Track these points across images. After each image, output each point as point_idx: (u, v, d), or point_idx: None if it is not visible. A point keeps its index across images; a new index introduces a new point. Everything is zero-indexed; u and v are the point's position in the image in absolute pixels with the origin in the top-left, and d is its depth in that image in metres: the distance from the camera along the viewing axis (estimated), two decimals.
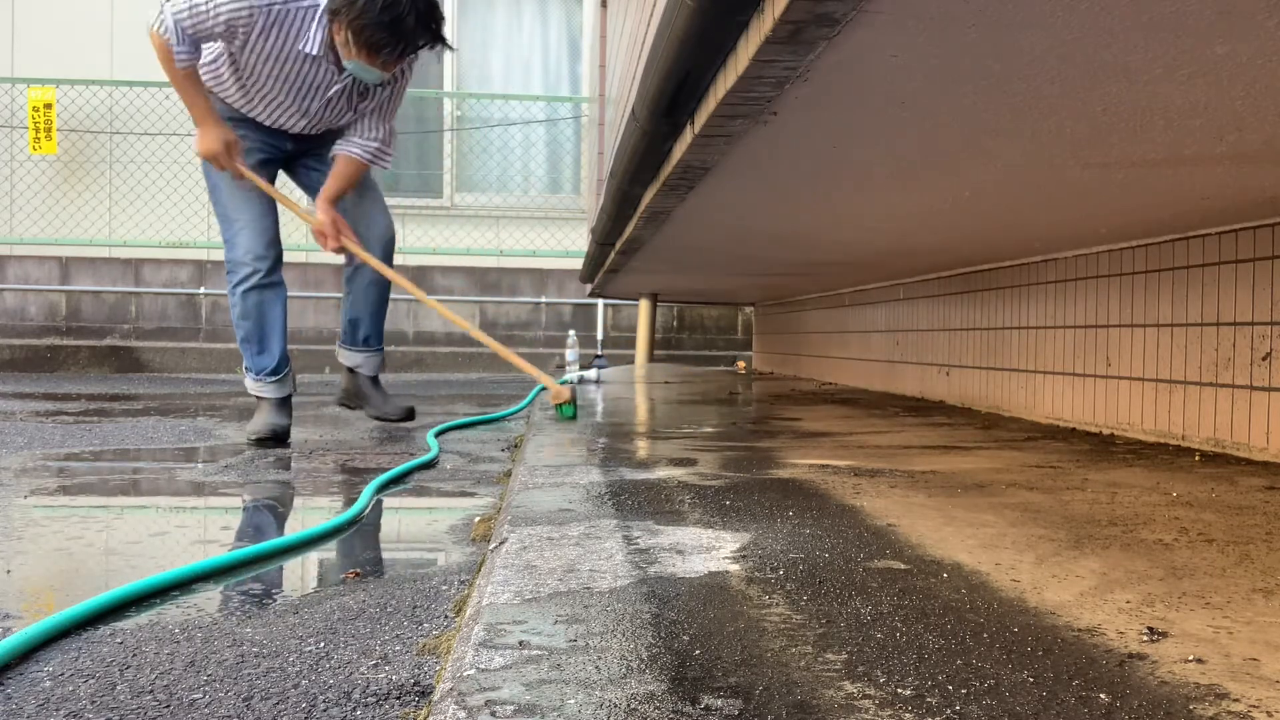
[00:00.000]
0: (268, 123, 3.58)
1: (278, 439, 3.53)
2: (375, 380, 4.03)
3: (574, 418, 3.56)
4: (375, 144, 3.65)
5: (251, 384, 3.68)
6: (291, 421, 3.69)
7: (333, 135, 3.71)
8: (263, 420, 3.58)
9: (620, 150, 2.75)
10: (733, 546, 1.50)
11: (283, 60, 3.36)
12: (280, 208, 3.66)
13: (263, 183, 3.57)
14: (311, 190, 3.76)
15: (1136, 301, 3.00)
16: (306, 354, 8.21)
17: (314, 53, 3.33)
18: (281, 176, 3.82)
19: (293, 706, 1.13)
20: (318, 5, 3.30)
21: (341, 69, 3.41)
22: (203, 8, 3.21)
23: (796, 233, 3.47)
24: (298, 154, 3.74)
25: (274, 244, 3.60)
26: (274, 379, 3.64)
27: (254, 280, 3.55)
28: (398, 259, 8.80)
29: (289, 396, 3.70)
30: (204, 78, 3.45)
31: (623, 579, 1.31)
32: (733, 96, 1.59)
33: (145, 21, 3.37)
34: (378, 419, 3.93)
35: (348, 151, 3.62)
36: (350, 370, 4.05)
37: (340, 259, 3.98)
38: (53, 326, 8.78)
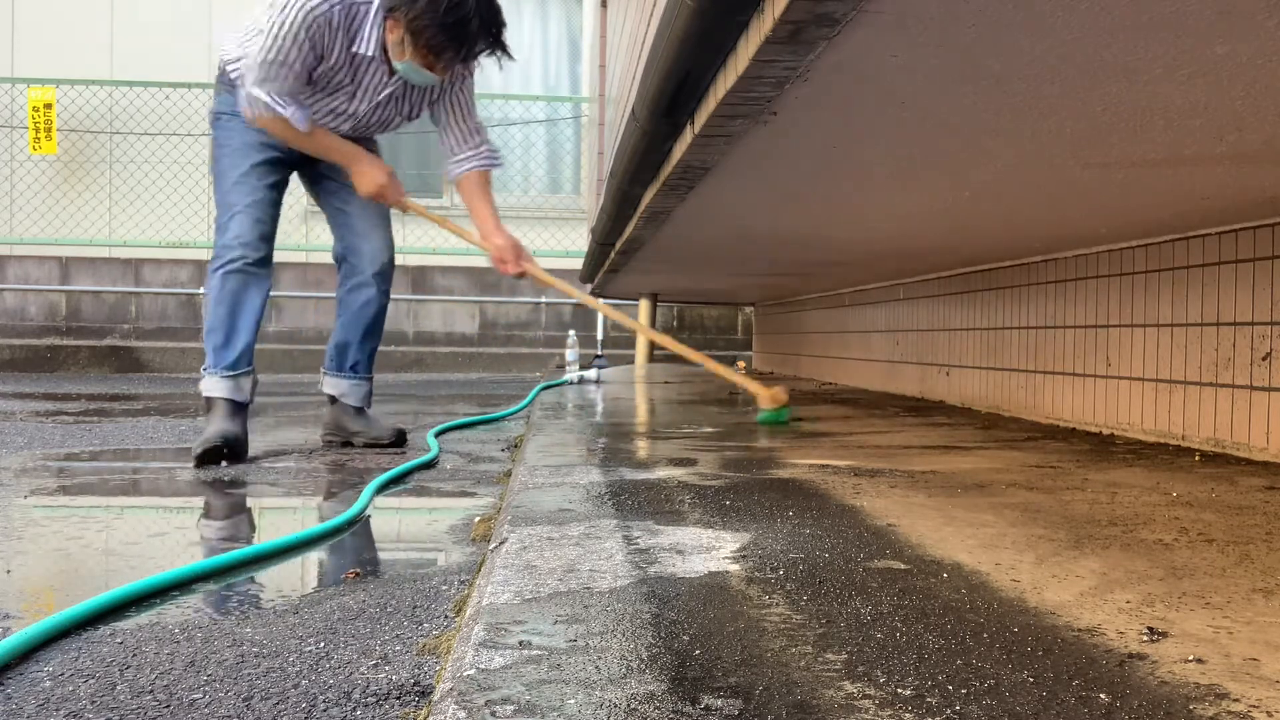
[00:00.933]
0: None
1: (231, 451, 3.09)
2: (360, 411, 3.55)
3: (786, 423, 3.24)
4: (484, 147, 3.39)
5: (206, 383, 3.25)
6: (247, 434, 3.24)
7: (361, 143, 3.40)
8: (213, 427, 3.14)
9: (620, 150, 2.75)
10: (733, 546, 1.50)
11: (336, 61, 3.10)
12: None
13: (431, 215, 3.50)
14: (323, 197, 3.51)
15: (1137, 301, 3.00)
16: (306, 354, 8.21)
17: (369, 53, 3.08)
18: (294, 185, 3.55)
19: (293, 706, 1.13)
20: (372, 2, 3.06)
21: (393, 72, 3.16)
22: (277, 50, 2.96)
23: (797, 233, 3.47)
24: (318, 161, 3.42)
25: (267, 239, 3.32)
26: (229, 374, 3.22)
27: (238, 264, 3.23)
28: (398, 259, 8.84)
29: (245, 405, 3.28)
30: None
31: (623, 579, 1.31)
32: (733, 96, 1.59)
33: (241, 112, 3.17)
34: (368, 445, 3.49)
35: (470, 168, 3.37)
36: (333, 400, 3.56)
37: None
38: (53, 326, 8.78)
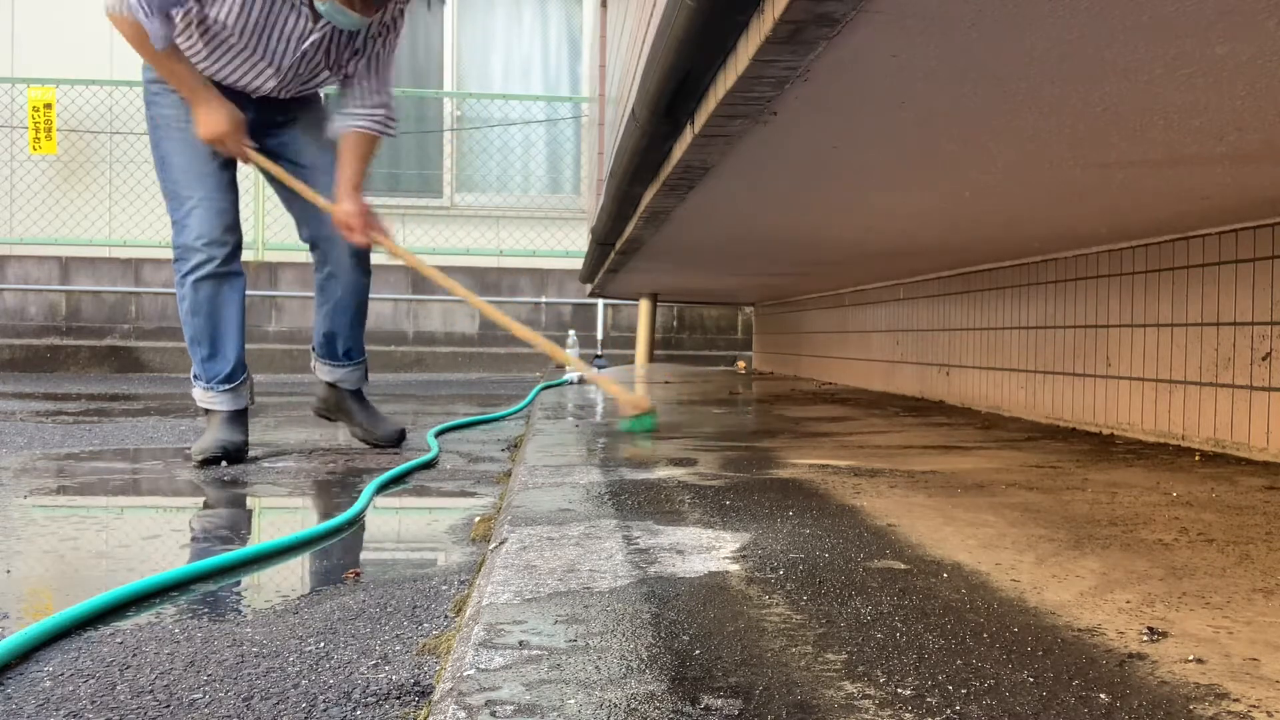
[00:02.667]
0: (233, 82, 3.05)
1: (229, 458, 3.03)
2: (359, 395, 3.46)
3: (651, 430, 3.03)
4: (381, 111, 3.15)
5: (200, 394, 3.15)
6: (248, 438, 3.18)
7: (295, 104, 3.21)
8: (211, 436, 3.07)
9: (620, 150, 2.75)
10: (733, 546, 1.50)
11: (252, 6, 2.86)
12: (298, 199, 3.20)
13: (276, 168, 3.13)
14: (270, 175, 3.24)
15: (1136, 301, 3.00)
16: (306, 354, 8.21)
17: None
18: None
19: (293, 706, 1.13)
20: None
21: (318, 16, 2.91)
22: None
23: (796, 232, 3.47)
24: (256, 125, 3.14)
25: (232, 229, 3.07)
26: (227, 388, 3.13)
27: (207, 268, 3.02)
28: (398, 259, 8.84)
29: (245, 410, 3.19)
30: None
31: (623, 579, 1.31)
32: (733, 96, 1.59)
33: (103, 3, 2.85)
34: (365, 442, 3.39)
35: (354, 126, 3.12)
36: (330, 385, 3.46)
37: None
38: (53, 326, 8.78)
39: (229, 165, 3.08)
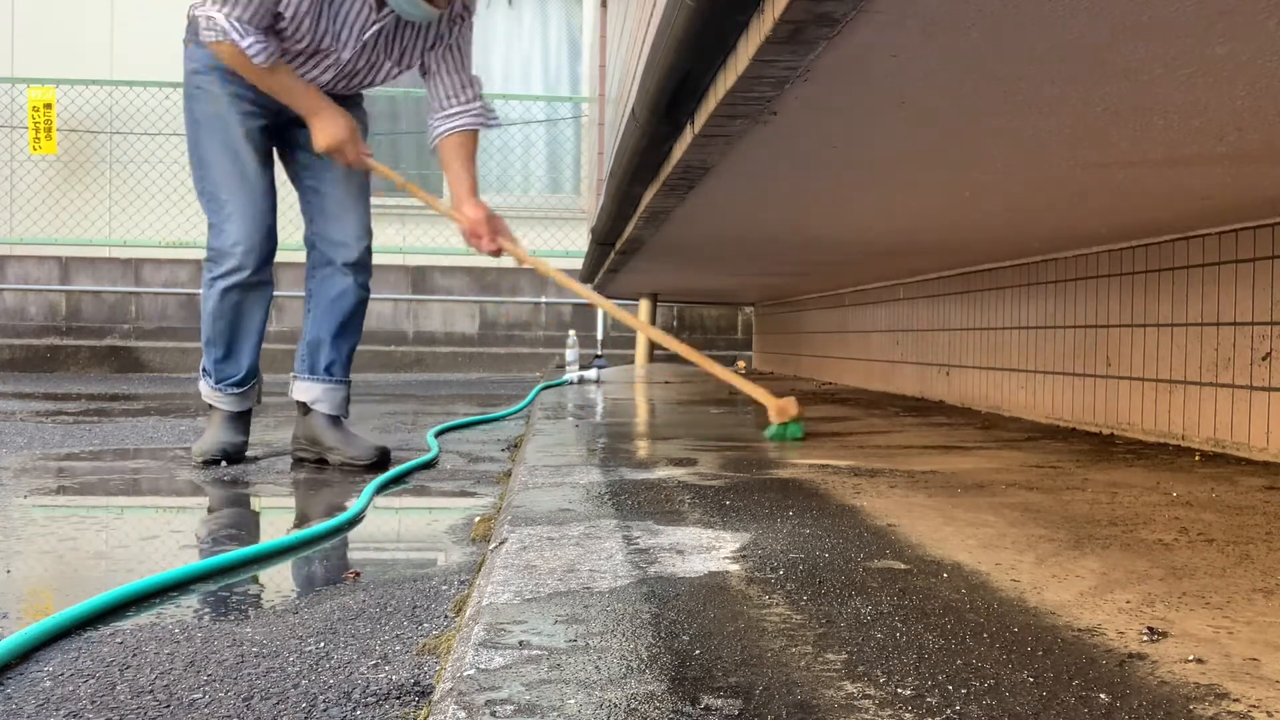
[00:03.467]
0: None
1: (229, 459, 3.00)
2: (337, 421, 3.11)
3: (799, 439, 2.83)
4: (478, 104, 2.99)
5: (207, 390, 3.06)
6: (248, 439, 3.13)
7: (350, 101, 3.04)
8: (213, 437, 3.03)
9: (620, 150, 2.75)
10: (733, 546, 1.50)
11: None
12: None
13: (395, 174, 3.02)
14: (297, 173, 3.10)
15: (1136, 301, 3.00)
16: None
17: None
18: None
19: (293, 706, 1.13)
20: None
21: (382, 5, 2.79)
22: None
23: (797, 232, 3.47)
24: (291, 124, 2.99)
25: (270, 237, 2.98)
26: (236, 391, 3.06)
27: (239, 277, 2.94)
28: (397, 258, 8.86)
29: (249, 411, 3.13)
30: None
31: (623, 579, 1.31)
32: (733, 96, 1.59)
33: (181, 39, 2.86)
34: (344, 464, 3.02)
35: (457, 126, 2.96)
36: (305, 408, 3.11)
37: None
38: (53, 326, 8.78)
39: (268, 166, 2.98)
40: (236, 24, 2.65)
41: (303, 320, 3.15)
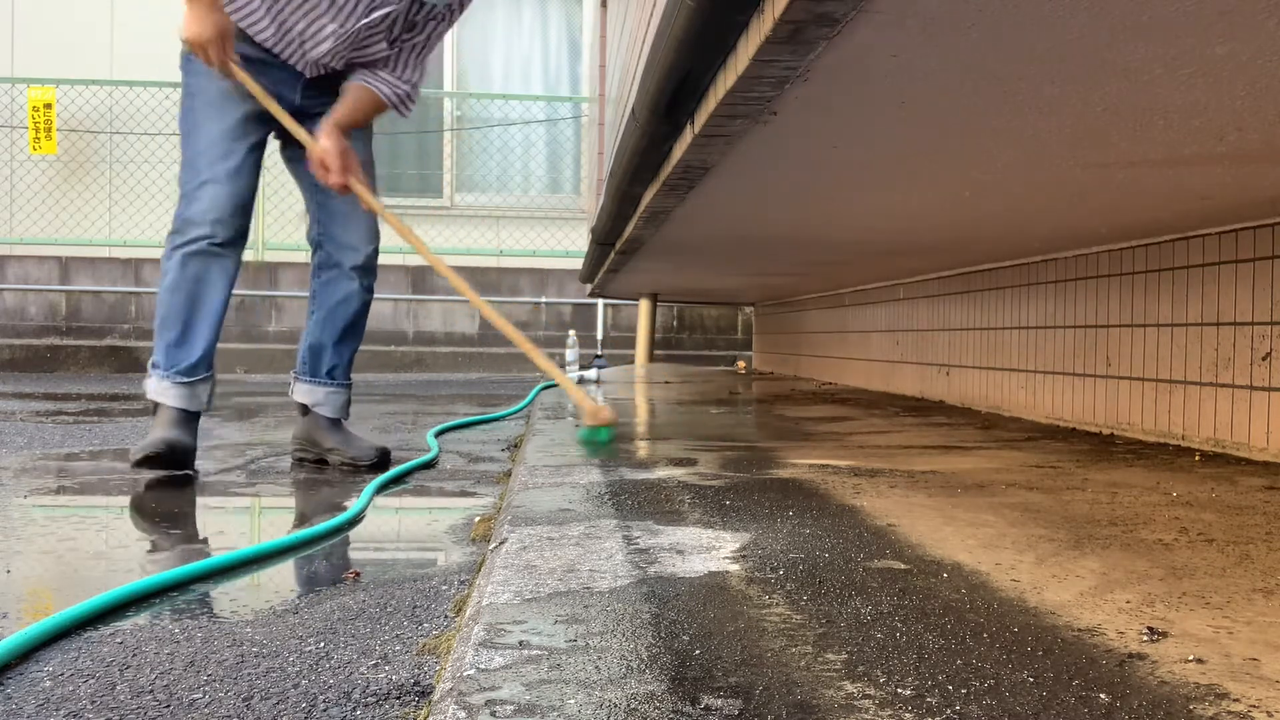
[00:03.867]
0: (288, 43, 2.80)
1: (173, 461, 2.69)
2: (337, 423, 3.07)
3: (606, 444, 2.69)
4: (406, 87, 2.91)
5: (153, 386, 2.80)
6: (195, 443, 2.82)
7: (330, 100, 2.90)
8: (156, 434, 2.73)
9: (620, 150, 2.75)
10: (733, 546, 1.50)
11: None
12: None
13: (266, 98, 2.77)
14: (301, 170, 2.97)
15: (1136, 301, 3.00)
16: None
17: None
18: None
19: (293, 706, 1.13)
20: None
21: None
22: None
23: (797, 232, 3.47)
24: (299, 113, 2.88)
25: (242, 212, 2.79)
26: (184, 380, 2.78)
27: (202, 244, 2.73)
28: (398, 258, 8.85)
29: (198, 415, 2.84)
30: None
31: (623, 579, 1.31)
32: (733, 96, 1.59)
33: None
34: (344, 465, 2.97)
35: (372, 85, 2.86)
36: (305, 409, 3.06)
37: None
38: (53, 326, 8.78)
39: (256, 150, 2.85)
40: None
41: (305, 320, 3.07)
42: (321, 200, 2.97)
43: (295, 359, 3.07)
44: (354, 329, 3.04)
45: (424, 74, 2.96)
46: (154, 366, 2.82)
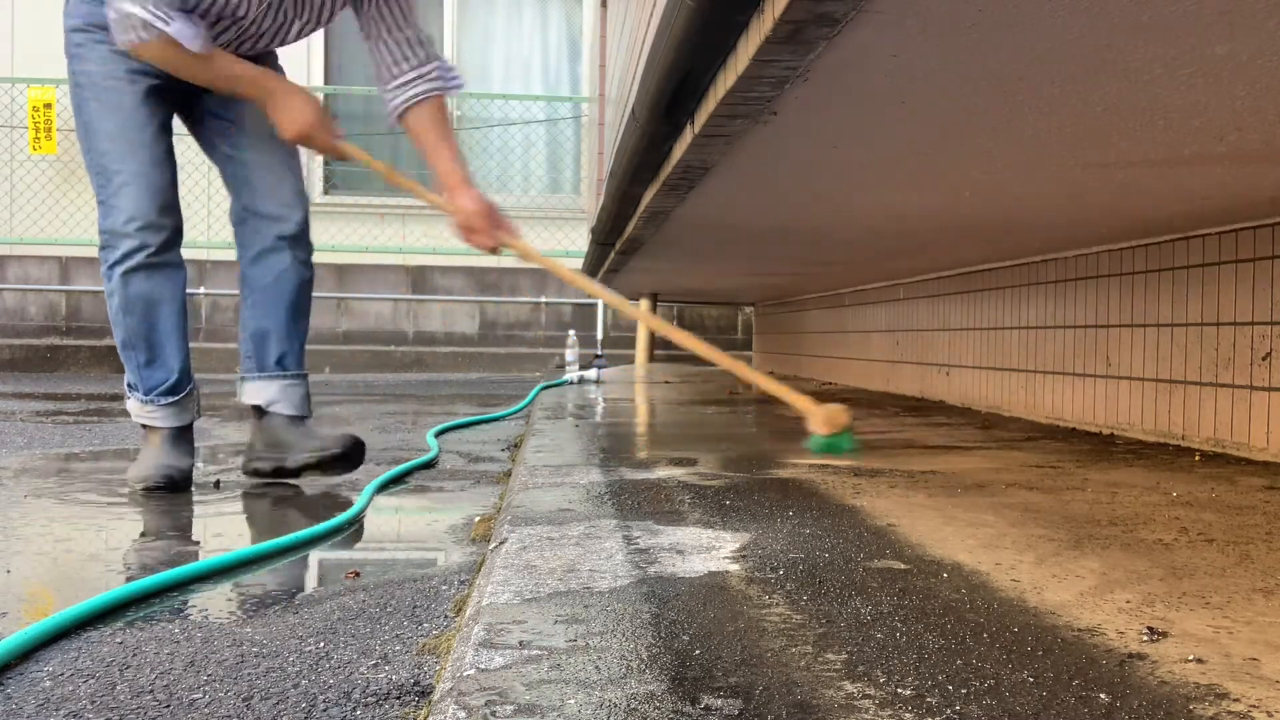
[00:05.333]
0: (259, 43, 2.53)
1: (174, 487, 2.53)
2: (300, 421, 2.67)
3: (850, 452, 2.29)
4: (437, 63, 2.56)
5: (136, 408, 2.60)
6: (194, 461, 2.65)
7: (259, 61, 2.58)
8: (153, 459, 2.55)
9: (620, 150, 2.75)
10: (733, 546, 1.50)
11: None
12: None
13: (380, 164, 2.61)
14: (209, 140, 2.67)
15: (1136, 301, 3.00)
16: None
17: None
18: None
19: (293, 706, 1.13)
20: None
21: None
22: None
23: (797, 232, 3.47)
24: (202, 93, 2.57)
25: (168, 210, 2.52)
26: (170, 401, 2.57)
27: (138, 258, 2.49)
28: (397, 258, 8.85)
29: (190, 427, 2.64)
30: None
31: (623, 579, 1.31)
32: (733, 96, 1.59)
33: (120, 42, 2.34)
34: (311, 466, 2.62)
35: (416, 95, 2.53)
36: (260, 412, 2.67)
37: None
38: (53, 326, 8.78)
39: (165, 133, 2.55)
40: (156, 10, 2.24)
41: (240, 313, 2.72)
42: (234, 169, 2.63)
43: (192, 372, 2.67)
44: (297, 309, 2.67)
45: (429, 39, 2.59)
46: (131, 388, 2.61)
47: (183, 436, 2.62)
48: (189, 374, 2.62)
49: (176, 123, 2.67)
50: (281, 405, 2.64)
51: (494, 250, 2.59)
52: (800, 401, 2.35)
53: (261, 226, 2.62)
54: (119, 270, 2.51)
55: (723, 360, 2.58)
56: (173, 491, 2.52)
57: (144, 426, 2.61)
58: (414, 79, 2.53)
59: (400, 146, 8.91)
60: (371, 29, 2.53)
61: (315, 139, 2.49)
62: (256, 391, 2.66)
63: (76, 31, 2.48)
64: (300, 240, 2.65)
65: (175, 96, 2.56)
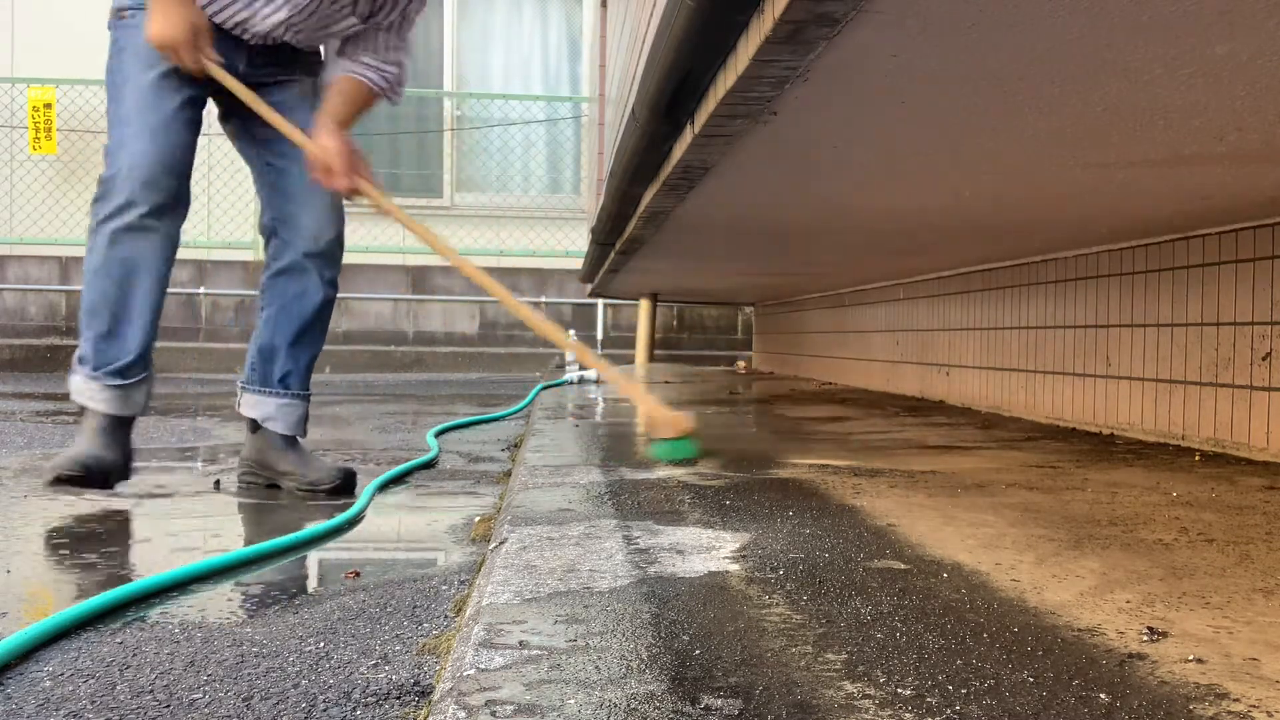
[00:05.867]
0: (233, 18, 2.47)
1: (95, 480, 2.32)
2: (292, 441, 2.62)
3: (691, 460, 2.31)
4: (394, 69, 2.58)
5: (78, 384, 2.43)
6: (129, 457, 2.47)
7: (296, 63, 2.61)
8: (77, 448, 2.38)
9: (620, 150, 2.75)
10: (733, 546, 1.50)
11: None
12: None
13: (247, 92, 2.48)
14: (250, 147, 2.65)
15: (1136, 301, 3.00)
16: None
17: None
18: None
19: (293, 706, 1.13)
20: None
21: None
22: None
23: (797, 232, 3.47)
24: (245, 81, 2.54)
25: (174, 171, 2.40)
26: (117, 383, 2.41)
27: (131, 215, 2.35)
28: (397, 258, 8.85)
29: (130, 422, 2.47)
30: None
31: (623, 579, 1.31)
32: (733, 96, 1.59)
33: None
34: (301, 491, 2.54)
35: (359, 74, 2.54)
36: (255, 425, 2.62)
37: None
38: (53, 326, 8.78)
39: (191, 105, 2.47)
40: None
41: (256, 321, 2.67)
42: (273, 180, 2.60)
43: (152, 360, 2.55)
44: (312, 329, 2.62)
45: (409, 54, 2.64)
46: (80, 362, 2.43)
47: (119, 429, 2.44)
48: (147, 360, 2.47)
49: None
50: (277, 424, 2.61)
51: (350, 195, 2.52)
52: (645, 405, 2.32)
53: (292, 241, 2.58)
54: (108, 226, 2.37)
55: (561, 340, 2.62)
56: (87, 486, 2.28)
57: (82, 409, 2.44)
58: (372, 64, 2.55)
59: (401, 146, 8.92)
60: (376, 28, 2.55)
61: (180, 53, 2.35)
62: (254, 405, 2.62)
63: (128, 8, 2.46)
64: (330, 258, 2.62)
65: (222, 97, 2.55)
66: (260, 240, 2.71)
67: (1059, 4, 1.15)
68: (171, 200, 2.41)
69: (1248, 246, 2.55)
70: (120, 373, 2.41)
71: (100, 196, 2.39)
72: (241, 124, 2.61)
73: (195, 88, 2.47)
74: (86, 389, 2.42)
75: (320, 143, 2.45)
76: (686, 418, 2.28)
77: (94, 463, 2.32)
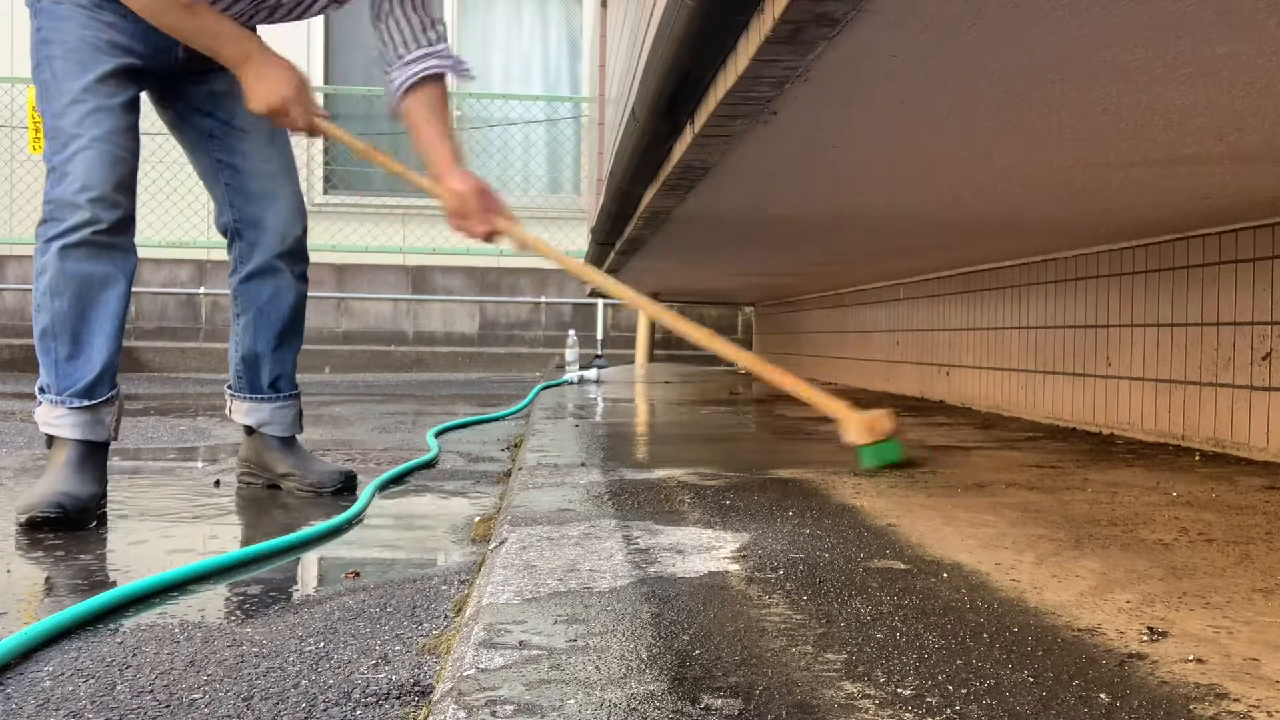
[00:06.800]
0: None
1: (69, 521, 2.07)
2: (290, 442, 2.60)
3: (899, 463, 2.19)
4: (444, 45, 2.42)
5: (43, 414, 2.24)
6: (104, 489, 2.24)
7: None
8: (47, 484, 2.13)
9: (620, 150, 2.75)
10: (733, 546, 1.50)
11: None
12: None
13: (362, 145, 2.45)
14: (198, 141, 2.48)
15: (1136, 301, 3.00)
16: (305, 354, 8.21)
17: None
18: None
19: (292, 706, 1.13)
20: None
21: None
22: None
23: (797, 233, 3.47)
24: (186, 69, 2.36)
25: (125, 188, 2.22)
26: (83, 404, 2.22)
27: (84, 232, 2.17)
28: (397, 258, 8.85)
29: (104, 448, 2.27)
30: None
31: (623, 579, 1.31)
32: (733, 96, 1.59)
33: None
34: (302, 492, 2.53)
35: (422, 70, 2.37)
36: (251, 431, 2.60)
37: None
38: None
39: (132, 108, 2.28)
40: None
41: (231, 327, 2.59)
42: (228, 179, 2.44)
43: (117, 379, 2.34)
44: (293, 329, 2.55)
45: (441, 23, 2.45)
46: (42, 391, 2.27)
47: (92, 458, 2.23)
48: (112, 379, 2.27)
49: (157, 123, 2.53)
50: (273, 427, 2.58)
51: (489, 238, 2.44)
52: (832, 406, 2.13)
53: (259, 242, 2.47)
54: (57, 245, 2.19)
55: (743, 358, 2.43)
56: (65, 528, 2.06)
57: (48, 439, 2.26)
58: (422, 55, 2.38)
59: (402, 145, 8.93)
60: (385, 5, 2.38)
61: (292, 114, 2.28)
62: (247, 412, 2.58)
63: None
64: (299, 254, 2.52)
65: (157, 84, 2.37)
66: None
67: (1059, 4, 1.15)
68: (125, 218, 2.24)
69: (1248, 246, 2.55)
70: (85, 392, 2.22)
71: (49, 218, 2.20)
72: (179, 115, 2.45)
73: (134, 86, 2.29)
74: (52, 417, 2.23)
75: (452, 189, 2.36)
76: (885, 417, 2.11)
77: (69, 501, 2.09)
